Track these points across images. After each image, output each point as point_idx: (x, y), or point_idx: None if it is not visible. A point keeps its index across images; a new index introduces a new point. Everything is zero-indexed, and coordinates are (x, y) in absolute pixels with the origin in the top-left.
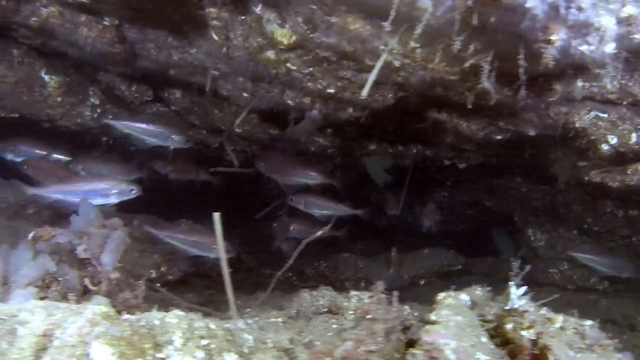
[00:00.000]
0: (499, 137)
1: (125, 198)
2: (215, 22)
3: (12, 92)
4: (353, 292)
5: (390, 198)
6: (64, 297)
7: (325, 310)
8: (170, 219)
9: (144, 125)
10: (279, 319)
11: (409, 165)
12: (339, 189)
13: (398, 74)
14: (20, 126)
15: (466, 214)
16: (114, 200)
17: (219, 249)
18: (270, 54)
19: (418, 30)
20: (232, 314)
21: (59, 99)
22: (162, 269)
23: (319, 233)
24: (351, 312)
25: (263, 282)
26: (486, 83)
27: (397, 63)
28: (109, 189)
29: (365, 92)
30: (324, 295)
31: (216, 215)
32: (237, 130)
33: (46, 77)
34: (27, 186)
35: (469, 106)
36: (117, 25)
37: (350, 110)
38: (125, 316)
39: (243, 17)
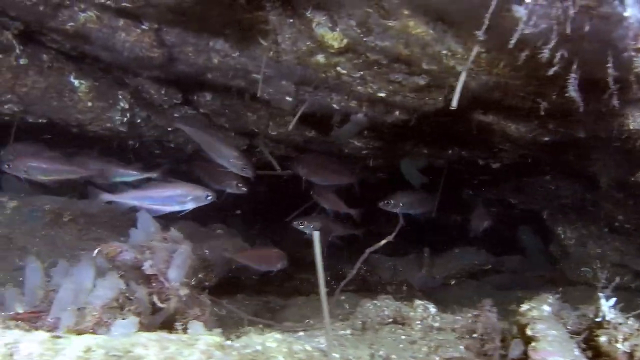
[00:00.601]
0: (546, 139)
1: (201, 204)
2: (263, 26)
3: (42, 97)
4: (418, 302)
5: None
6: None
7: (391, 320)
8: (206, 224)
9: (210, 139)
10: (347, 331)
11: (442, 165)
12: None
13: (458, 77)
14: (48, 131)
15: (490, 211)
16: (189, 206)
17: (318, 270)
18: (320, 58)
19: (513, 40)
20: (326, 331)
21: (89, 104)
22: (199, 275)
23: (383, 242)
24: (418, 322)
25: (299, 286)
26: (573, 92)
27: (460, 68)
28: (185, 195)
29: (454, 103)
30: (388, 305)
31: (315, 235)
32: (271, 132)
33: (76, 82)
34: (102, 192)
35: (542, 113)
36: (156, 29)
37: (397, 113)
38: (228, 342)
39: (292, 21)
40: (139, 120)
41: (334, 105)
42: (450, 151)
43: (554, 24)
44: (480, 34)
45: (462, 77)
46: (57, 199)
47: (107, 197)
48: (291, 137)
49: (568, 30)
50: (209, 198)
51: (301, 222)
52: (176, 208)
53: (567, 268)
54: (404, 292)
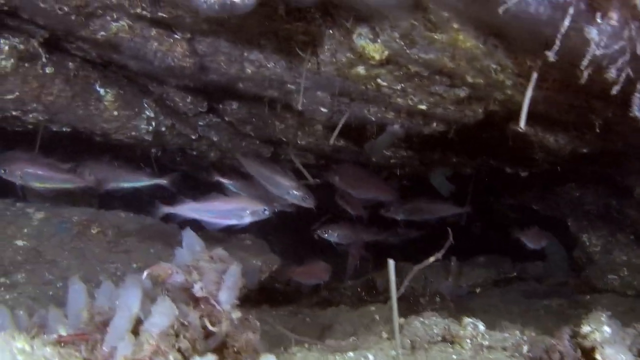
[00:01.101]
0: (584, 150)
1: (258, 219)
2: (302, 37)
3: (68, 106)
4: (467, 320)
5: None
6: (193, 346)
7: (440, 339)
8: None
9: (268, 172)
10: (400, 352)
11: (469, 173)
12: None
13: (504, 91)
14: (71, 140)
15: (511, 217)
16: (247, 220)
17: (391, 294)
18: (360, 70)
19: (585, 61)
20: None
21: (115, 113)
22: None
23: (431, 260)
24: (468, 340)
25: (329, 298)
26: (637, 112)
27: (509, 82)
28: (243, 209)
29: (522, 124)
30: (437, 323)
31: (390, 262)
32: (300, 142)
33: (101, 91)
34: (162, 204)
35: (597, 130)
36: (189, 38)
37: (434, 124)
38: None
39: (331, 32)
40: (163, 129)
41: (370, 116)
42: (478, 160)
43: (626, 45)
44: (551, 55)
45: (528, 97)
46: (86, 210)
47: (166, 209)
48: (320, 146)
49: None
50: (267, 212)
51: (326, 230)
52: (234, 222)
53: (593, 275)
54: (438, 303)
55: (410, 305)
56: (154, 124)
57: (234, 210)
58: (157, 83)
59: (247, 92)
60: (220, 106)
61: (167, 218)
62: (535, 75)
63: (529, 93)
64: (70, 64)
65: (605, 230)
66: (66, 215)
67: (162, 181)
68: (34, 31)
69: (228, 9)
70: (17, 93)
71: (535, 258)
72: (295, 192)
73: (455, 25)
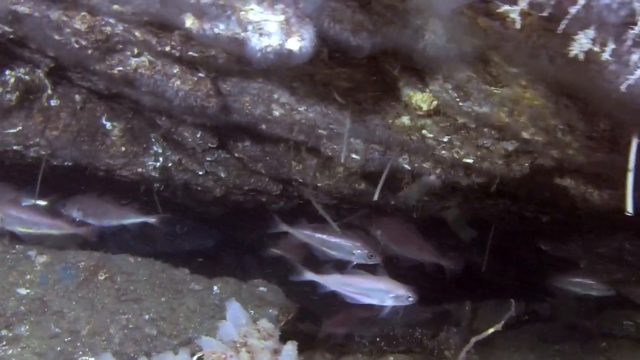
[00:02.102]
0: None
1: (400, 304)
2: (344, 83)
3: (74, 141)
4: None
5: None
6: None
7: None
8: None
9: (324, 237)
10: None
11: (488, 217)
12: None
13: (565, 150)
14: (72, 175)
15: (522, 257)
16: (388, 303)
17: None
18: (405, 120)
19: None
20: None
21: (122, 149)
22: None
23: (490, 331)
24: None
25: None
26: None
27: (576, 144)
28: (386, 291)
29: (629, 209)
30: None
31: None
32: (318, 184)
33: (108, 124)
34: (306, 270)
35: None
36: (214, 77)
37: (474, 176)
38: None
39: (375, 78)
40: (169, 164)
41: (405, 165)
42: (501, 205)
43: None
44: None
45: (630, 178)
46: (93, 254)
47: (310, 276)
48: (339, 188)
49: None
50: (410, 299)
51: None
52: (374, 302)
53: (607, 319)
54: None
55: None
56: (161, 160)
57: (376, 290)
58: (166, 117)
59: (269, 134)
60: (231, 142)
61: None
62: (635, 146)
63: (630, 175)
64: (76, 96)
65: (620, 275)
66: (71, 260)
67: (151, 219)
68: (39, 60)
69: (284, 59)
70: (20, 127)
71: (543, 297)
72: (359, 252)
73: (523, 82)
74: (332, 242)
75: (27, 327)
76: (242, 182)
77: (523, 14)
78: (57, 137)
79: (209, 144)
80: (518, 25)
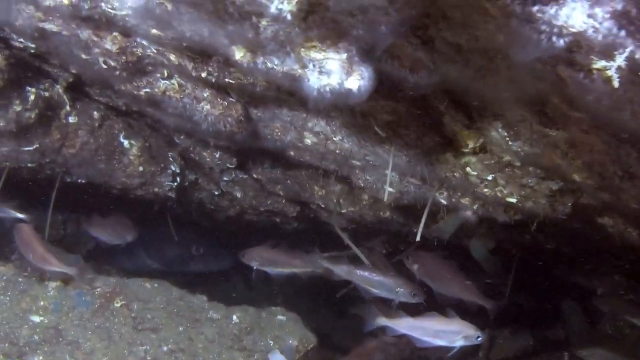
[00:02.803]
0: None
1: (469, 344)
2: (386, 116)
3: (91, 160)
4: None
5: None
6: None
7: None
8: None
9: (367, 274)
10: None
11: (511, 247)
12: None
13: (619, 195)
14: (84, 192)
15: (535, 283)
16: (458, 344)
17: None
18: (449, 156)
19: None
20: None
21: (140, 169)
22: None
23: None
24: None
25: None
26: None
27: (634, 191)
28: (457, 332)
29: None
30: None
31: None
32: (341, 210)
33: (125, 142)
34: (379, 315)
35: None
36: (246, 102)
37: (512, 213)
38: None
39: (419, 112)
40: (186, 184)
41: (442, 200)
42: (527, 236)
43: None
44: None
45: None
46: (108, 280)
47: (382, 321)
48: (363, 216)
49: None
50: (479, 339)
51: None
52: (444, 343)
53: (621, 350)
54: None
55: None
56: (178, 179)
57: (447, 332)
58: (185, 135)
59: (297, 161)
60: (250, 163)
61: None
62: None
63: None
64: (95, 112)
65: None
66: (87, 286)
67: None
68: (58, 75)
69: (342, 98)
70: (37, 145)
71: (553, 324)
72: (403, 290)
73: (585, 127)
74: (376, 280)
75: (40, 357)
76: (258, 203)
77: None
78: (73, 155)
79: (228, 164)
80: (616, 84)
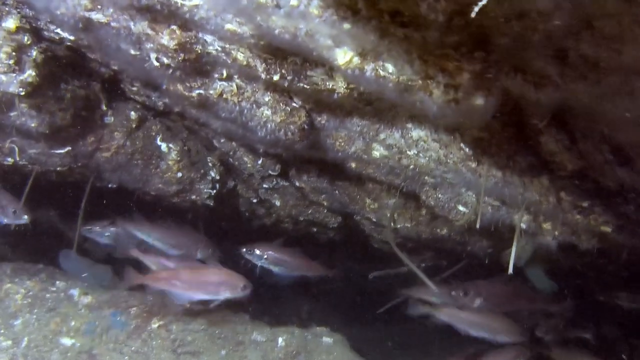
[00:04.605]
0: None
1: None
2: (477, 133)
3: (126, 165)
4: None
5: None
6: None
7: None
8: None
9: (470, 318)
10: None
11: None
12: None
13: None
14: (114, 197)
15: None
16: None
17: None
18: (544, 180)
19: None
20: None
21: (179, 175)
22: None
23: None
24: None
25: None
26: None
27: None
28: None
29: None
30: None
31: None
32: (396, 225)
33: (163, 146)
34: None
35: None
36: (310, 108)
37: (595, 240)
38: None
39: (512, 129)
40: (224, 191)
41: (523, 225)
42: (587, 259)
43: None
44: None
45: None
46: (146, 299)
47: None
48: (420, 233)
49: None
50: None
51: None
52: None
53: None
54: None
55: None
56: (217, 187)
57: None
58: (226, 139)
59: (356, 173)
60: (294, 171)
61: None
62: None
63: None
64: (132, 113)
65: None
66: (122, 304)
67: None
68: (94, 72)
69: (466, 116)
70: (69, 148)
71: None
72: (504, 338)
73: None
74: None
75: None
76: (298, 212)
77: None
78: (108, 159)
79: (270, 171)
80: None
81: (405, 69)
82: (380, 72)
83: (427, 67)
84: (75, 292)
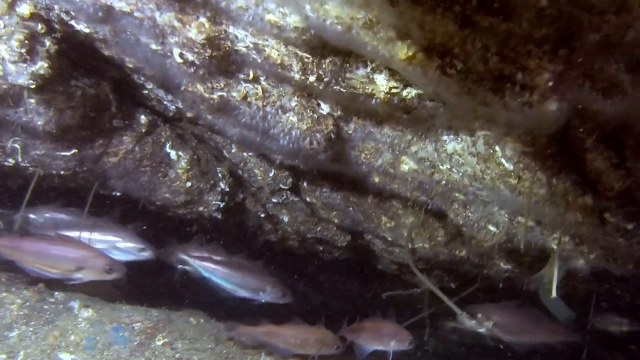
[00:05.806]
0: None
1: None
2: (519, 146)
3: (133, 172)
4: None
5: None
6: None
7: None
8: None
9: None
10: None
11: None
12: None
13: None
14: (117, 205)
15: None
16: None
17: None
18: (588, 199)
19: None
20: None
21: (188, 184)
22: None
23: None
24: None
25: None
26: None
27: None
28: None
29: None
30: None
31: None
32: (413, 246)
33: (172, 153)
34: None
35: None
36: (338, 116)
37: (631, 267)
38: None
39: (557, 146)
40: (232, 204)
41: (553, 246)
42: (607, 286)
43: None
44: None
45: None
46: (150, 314)
47: None
48: (438, 254)
49: None
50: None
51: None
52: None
53: None
54: None
55: None
56: (227, 199)
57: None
58: (238, 149)
59: (378, 188)
60: (305, 185)
61: None
62: None
63: None
64: (142, 117)
65: None
66: (125, 319)
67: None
68: (105, 69)
69: (534, 122)
70: (75, 150)
71: None
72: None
73: None
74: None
75: None
76: (306, 229)
77: None
78: (114, 165)
79: (281, 185)
80: None
81: (478, 67)
82: (448, 70)
83: (504, 65)
84: (75, 304)
